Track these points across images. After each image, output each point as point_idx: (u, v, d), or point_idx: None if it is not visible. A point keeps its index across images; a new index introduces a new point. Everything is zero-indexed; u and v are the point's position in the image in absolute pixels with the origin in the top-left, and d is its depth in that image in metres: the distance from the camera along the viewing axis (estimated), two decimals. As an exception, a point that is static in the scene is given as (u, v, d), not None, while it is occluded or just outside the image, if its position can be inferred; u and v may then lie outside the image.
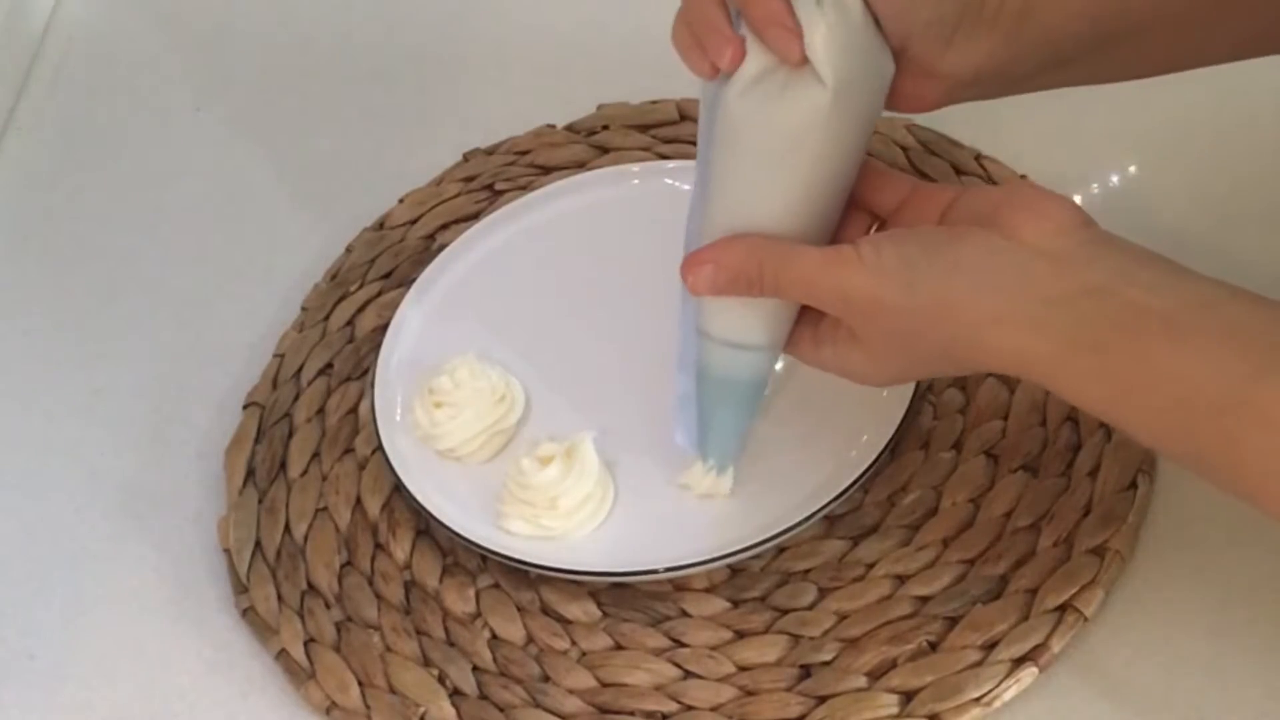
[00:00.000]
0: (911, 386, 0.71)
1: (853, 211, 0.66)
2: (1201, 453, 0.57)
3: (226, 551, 0.75)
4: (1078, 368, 0.57)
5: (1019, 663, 0.65)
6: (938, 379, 0.73)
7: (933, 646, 0.66)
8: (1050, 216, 0.59)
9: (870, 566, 0.69)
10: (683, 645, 0.69)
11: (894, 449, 0.71)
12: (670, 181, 0.83)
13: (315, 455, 0.78)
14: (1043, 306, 0.57)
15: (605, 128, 0.88)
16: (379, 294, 0.83)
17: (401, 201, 0.87)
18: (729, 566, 0.70)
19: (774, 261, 0.63)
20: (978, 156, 0.81)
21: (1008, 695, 0.65)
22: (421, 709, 0.69)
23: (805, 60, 0.60)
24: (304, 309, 0.84)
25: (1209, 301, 0.57)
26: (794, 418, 0.73)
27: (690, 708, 0.67)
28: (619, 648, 0.69)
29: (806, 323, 0.66)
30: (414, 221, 0.86)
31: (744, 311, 0.65)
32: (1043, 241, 0.58)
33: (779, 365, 0.69)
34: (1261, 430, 0.54)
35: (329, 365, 0.81)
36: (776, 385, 0.72)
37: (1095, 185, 0.81)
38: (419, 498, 0.73)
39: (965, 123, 0.82)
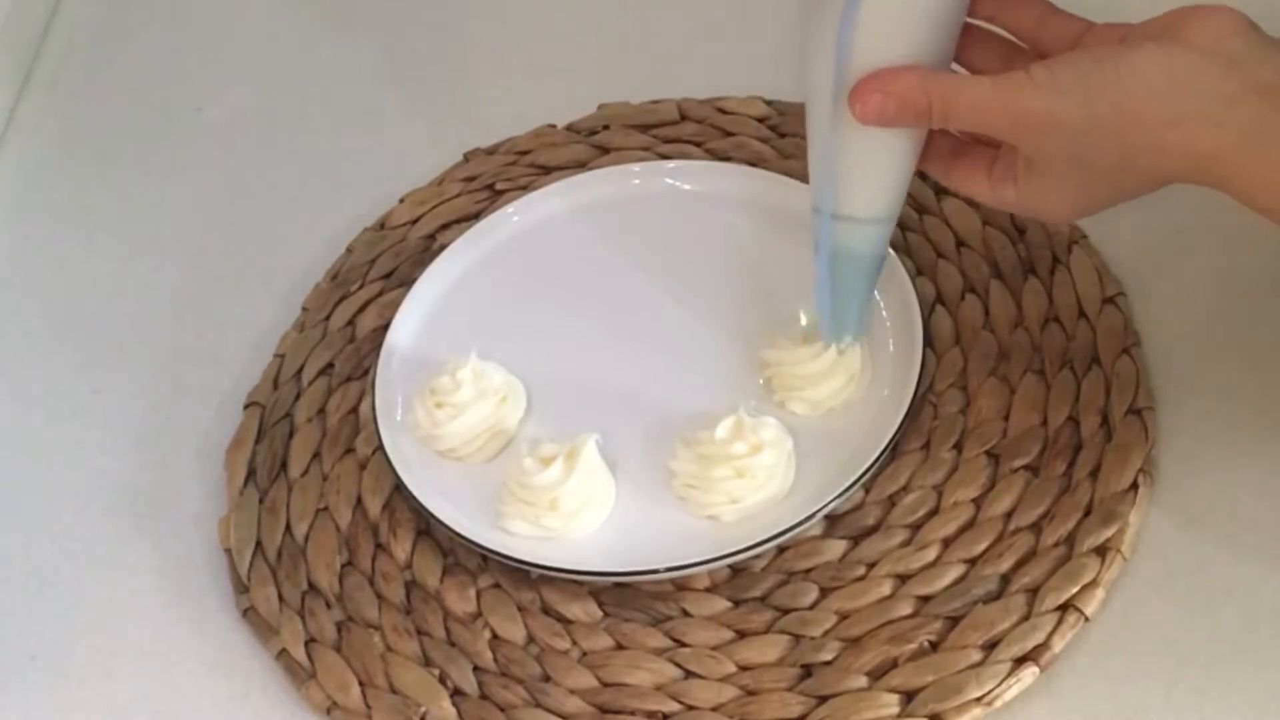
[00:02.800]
0: (911, 386, 0.71)
1: (987, 41, 0.67)
2: None
3: (227, 551, 0.75)
4: (1253, 162, 0.60)
5: (1020, 662, 0.65)
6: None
7: (934, 646, 0.66)
8: (1219, 21, 0.61)
9: (871, 566, 0.69)
10: (684, 645, 0.69)
11: (895, 448, 0.71)
12: (671, 181, 0.83)
13: (316, 455, 0.78)
14: (1219, 105, 0.60)
15: (606, 128, 0.88)
16: (380, 294, 0.83)
17: (402, 201, 0.87)
18: (730, 566, 0.70)
19: (943, 89, 0.63)
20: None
21: (1009, 695, 0.65)
22: (422, 709, 0.69)
23: None
24: (305, 309, 0.84)
25: None
26: (794, 416, 0.73)
27: (691, 707, 0.67)
28: (620, 647, 0.69)
29: (979, 167, 0.66)
30: (415, 221, 0.86)
31: (867, 186, 0.67)
32: (1214, 44, 0.60)
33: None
34: None
35: (330, 365, 0.81)
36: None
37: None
38: (420, 498, 0.73)
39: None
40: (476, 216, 0.84)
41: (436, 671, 0.70)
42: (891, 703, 0.65)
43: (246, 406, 0.80)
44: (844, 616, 0.68)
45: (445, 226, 0.85)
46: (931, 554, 0.69)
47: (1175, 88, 0.60)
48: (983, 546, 0.69)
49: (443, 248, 0.83)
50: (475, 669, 0.70)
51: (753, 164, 0.82)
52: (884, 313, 0.75)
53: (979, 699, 0.64)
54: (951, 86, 0.63)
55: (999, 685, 0.64)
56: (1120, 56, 0.61)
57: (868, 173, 0.67)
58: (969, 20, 0.66)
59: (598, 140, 0.87)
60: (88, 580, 0.77)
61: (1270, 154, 0.60)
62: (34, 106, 0.99)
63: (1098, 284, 0.75)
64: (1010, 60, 0.67)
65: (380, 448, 0.75)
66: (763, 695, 0.67)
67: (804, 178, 0.80)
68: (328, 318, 0.83)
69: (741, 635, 0.68)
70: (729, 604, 0.69)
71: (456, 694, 0.69)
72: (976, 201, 0.70)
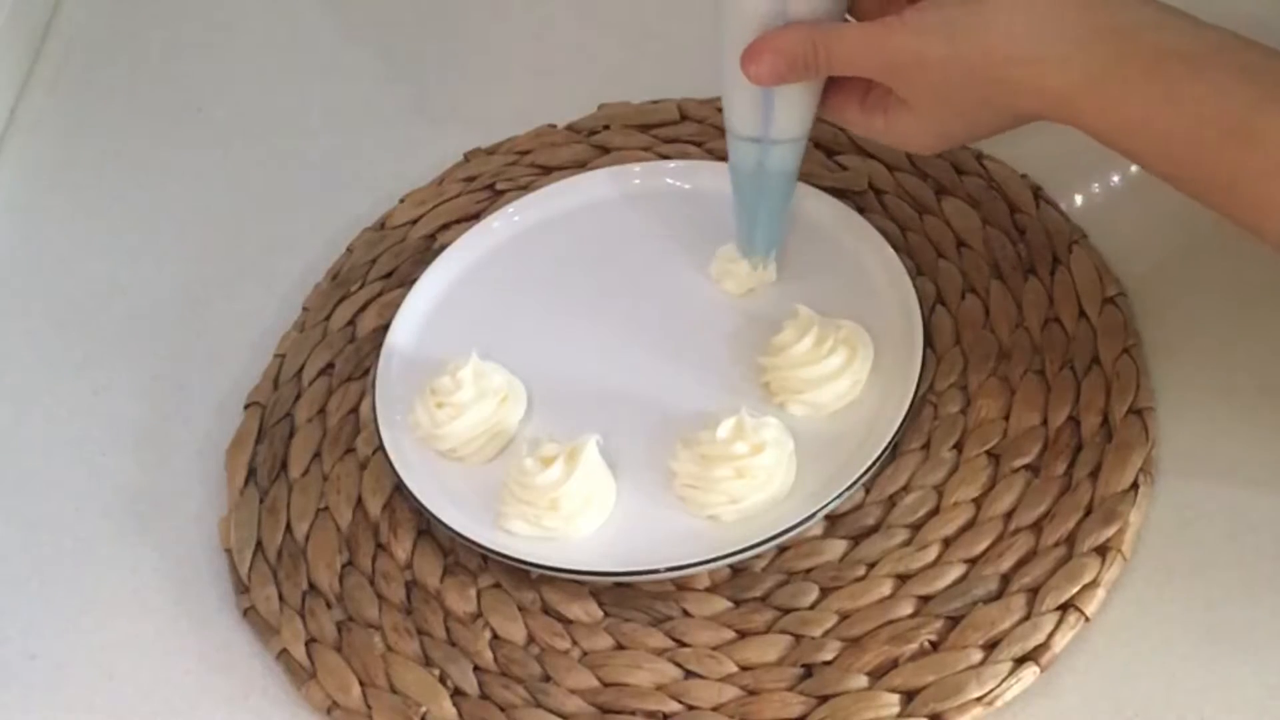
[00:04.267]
0: (911, 386, 0.71)
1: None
2: (1209, 178, 0.62)
3: (228, 551, 0.75)
4: (1103, 99, 0.63)
5: (1020, 662, 0.65)
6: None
7: (934, 646, 0.66)
8: None
9: (872, 566, 0.69)
10: (684, 645, 0.69)
11: (895, 448, 0.71)
12: (671, 181, 0.83)
13: (316, 455, 0.78)
14: (1072, 46, 0.63)
15: (606, 127, 0.88)
16: (380, 294, 0.83)
17: (402, 201, 0.87)
18: (730, 566, 0.70)
19: (824, 39, 0.68)
20: (978, 156, 0.81)
21: (1009, 695, 0.65)
22: (423, 709, 0.69)
23: None
24: (305, 309, 0.84)
25: (1224, 45, 0.62)
26: (795, 416, 0.73)
27: (692, 707, 0.67)
28: (620, 647, 0.69)
29: (853, 96, 0.70)
30: (415, 221, 0.86)
31: (753, 103, 0.71)
32: None
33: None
34: (1258, 150, 0.60)
35: (330, 365, 0.81)
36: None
37: (1095, 185, 0.81)
38: (420, 498, 0.73)
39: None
40: (476, 216, 0.84)
41: (437, 671, 0.70)
42: (892, 702, 0.65)
43: (247, 406, 0.80)
44: (844, 616, 0.68)
45: (445, 226, 0.85)
46: (932, 554, 0.69)
47: (1031, 29, 0.63)
48: (983, 546, 0.69)
49: (443, 248, 0.83)
50: (476, 669, 0.70)
51: (753, 164, 0.82)
52: (885, 312, 0.75)
53: (979, 699, 0.64)
54: (832, 35, 0.68)
55: (999, 685, 0.64)
56: (983, 2, 0.64)
57: (802, 98, 0.71)
58: None
59: (598, 140, 0.87)
60: (88, 580, 0.77)
61: (1116, 93, 0.63)
62: (34, 106, 0.99)
63: (1098, 284, 0.75)
64: (891, 7, 0.69)
65: (381, 448, 0.75)
66: (763, 695, 0.67)
67: (805, 176, 0.80)
68: (328, 318, 0.83)
69: (742, 635, 0.68)
70: (729, 604, 0.69)
71: (457, 694, 0.69)
72: (852, 131, 0.74)
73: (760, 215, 0.76)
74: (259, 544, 0.75)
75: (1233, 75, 0.61)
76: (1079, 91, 0.63)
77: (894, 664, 0.66)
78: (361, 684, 0.70)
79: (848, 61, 0.68)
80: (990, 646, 0.65)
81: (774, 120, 0.72)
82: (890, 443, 0.70)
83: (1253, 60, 0.62)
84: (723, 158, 0.83)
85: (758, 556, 0.70)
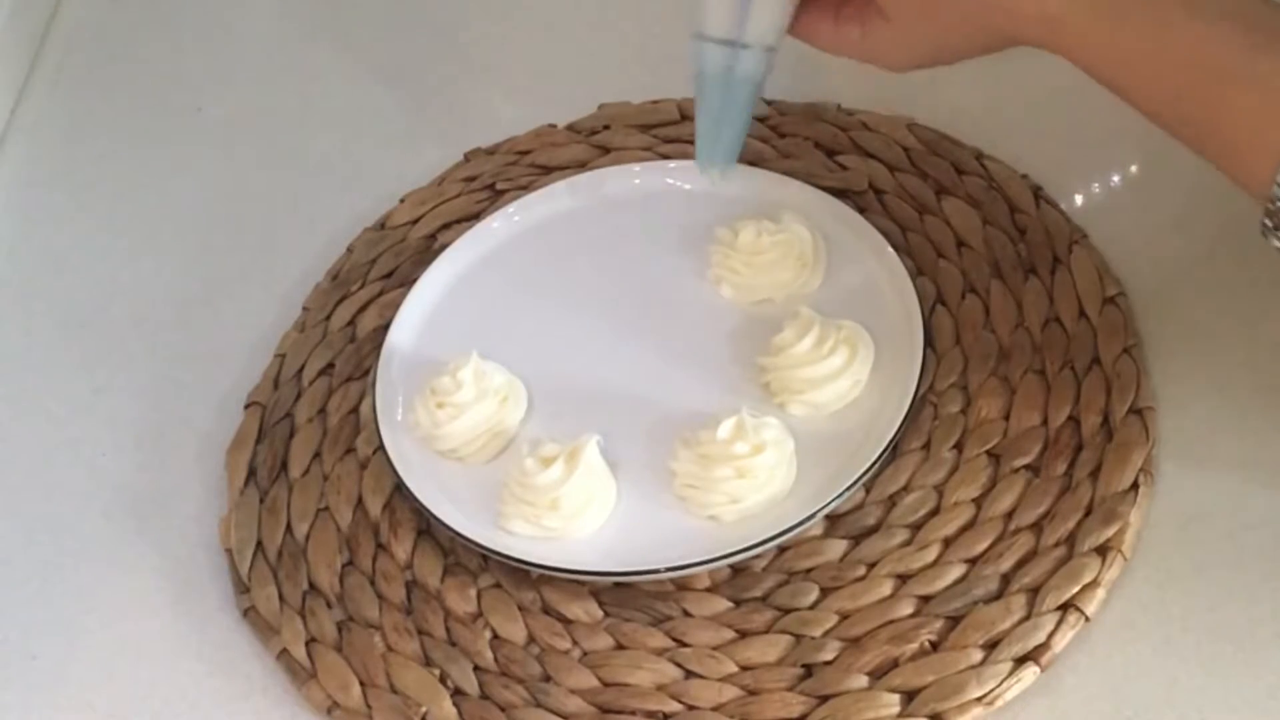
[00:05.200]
0: (912, 386, 0.71)
1: None
2: (1194, 119, 0.63)
3: (228, 551, 0.75)
4: (1098, 32, 0.63)
5: (1021, 662, 0.65)
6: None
7: (934, 646, 0.66)
8: None
9: (872, 566, 0.69)
10: (684, 645, 0.69)
11: (895, 448, 0.71)
12: (672, 181, 0.83)
13: (317, 455, 0.78)
14: None
15: (606, 127, 0.88)
16: (380, 294, 0.83)
17: (403, 201, 0.87)
18: (730, 566, 0.70)
19: None
20: (979, 155, 0.81)
21: (1009, 695, 0.65)
22: (423, 709, 0.69)
23: None
24: (305, 309, 0.84)
25: None
26: (795, 416, 0.73)
27: (692, 707, 0.67)
28: (620, 647, 0.69)
29: (827, 13, 0.70)
30: (415, 221, 0.86)
31: (776, 14, 0.70)
32: None
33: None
34: (1245, 92, 0.61)
35: (330, 365, 0.81)
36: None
37: (1096, 185, 0.81)
38: (421, 498, 0.73)
39: (967, 122, 0.82)
40: (477, 216, 0.84)
41: (437, 671, 0.70)
42: (892, 702, 0.65)
43: (247, 406, 0.80)
44: (845, 616, 0.68)
45: (446, 226, 0.85)
46: (932, 554, 0.69)
47: None
48: (983, 546, 0.69)
49: (443, 248, 0.83)
50: (476, 669, 0.70)
51: (753, 164, 0.82)
52: (885, 312, 0.75)
53: (980, 699, 0.64)
54: None
55: (1000, 685, 0.64)
56: None
57: (780, 3, 0.70)
58: None
59: (598, 140, 0.87)
60: (88, 580, 0.77)
61: (1114, 23, 0.63)
62: (34, 106, 0.99)
63: (1098, 284, 0.75)
64: None
65: (381, 448, 0.75)
66: (763, 695, 0.67)
67: (805, 176, 0.81)
68: (328, 318, 0.83)
69: (742, 635, 0.69)
70: (730, 604, 0.69)
71: (457, 694, 0.69)
72: (817, 46, 0.72)
73: (724, 125, 0.74)
74: (259, 544, 0.75)
75: (1228, 19, 0.62)
76: (1076, 17, 0.63)
77: (894, 664, 0.66)
78: (362, 684, 0.70)
79: None
80: (990, 646, 0.65)
81: (749, 21, 0.70)
82: (890, 443, 0.70)
83: (1248, 6, 0.62)
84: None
85: (758, 556, 0.70)
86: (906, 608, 0.67)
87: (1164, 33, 0.63)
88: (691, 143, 0.85)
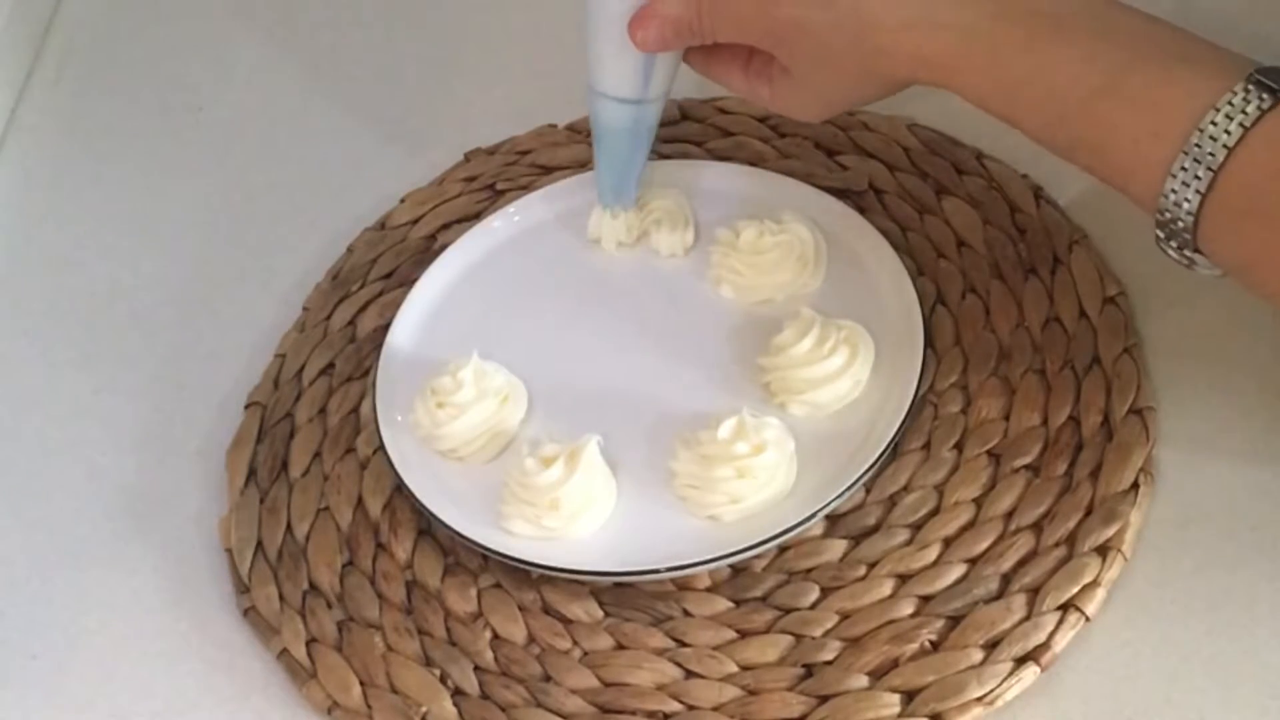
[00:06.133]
0: (912, 386, 0.71)
1: None
2: (1080, 141, 0.64)
3: (228, 551, 0.75)
4: (974, 67, 0.65)
5: (1021, 662, 0.65)
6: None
7: (935, 646, 0.66)
8: None
9: (872, 566, 0.69)
10: (684, 645, 0.69)
11: (896, 448, 0.71)
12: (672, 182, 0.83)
13: (317, 455, 0.78)
14: (946, 10, 0.65)
15: (606, 128, 0.88)
16: (380, 294, 0.83)
17: (403, 201, 0.87)
18: (731, 566, 0.70)
19: (710, 5, 0.70)
20: (979, 156, 0.81)
21: (1010, 695, 0.65)
22: (423, 709, 0.69)
23: None
24: (305, 309, 0.84)
25: (1090, 8, 0.65)
26: (795, 416, 0.73)
27: (692, 707, 0.67)
28: (621, 647, 0.69)
29: (736, 63, 0.73)
30: (415, 221, 0.86)
31: (636, 68, 0.74)
32: None
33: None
34: (1129, 112, 0.62)
35: (330, 365, 0.81)
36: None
37: (1096, 185, 0.80)
38: (421, 498, 0.73)
39: (967, 122, 0.82)
40: (477, 216, 0.84)
41: (437, 671, 0.70)
42: (892, 702, 0.65)
43: (247, 406, 0.80)
44: (845, 616, 0.68)
45: (446, 226, 0.85)
46: (932, 554, 0.69)
47: None
48: (984, 546, 0.69)
49: (443, 248, 0.83)
50: (476, 669, 0.70)
51: (753, 164, 0.82)
52: (885, 312, 0.75)
53: (980, 699, 0.64)
54: (716, 2, 0.70)
55: (1000, 685, 0.64)
56: None
57: (676, 57, 0.75)
58: None
59: (598, 140, 0.87)
60: (88, 580, 0.77)
61: (991, 56, 0.65)
62: (34, 106, 0.99)
63: (1098, 284, 0.75)
64: None
65: (381, 448, 0.75)
66: (764, 695, 0.67)
67: (805, 176, 0.81)
68: (328, 318, 0.83)
69: (742, 635, 0.69)
70: (730, 604, 0.69)
71: (457, 694, 0.69)
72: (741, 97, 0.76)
73: (630, 169, 0.78)
74: (259, 544, 0.75)
75: (1100, 37, 0.63)
76: (954, 55, 0.65)
77: (894, 664, 0.66)
78: (362, 684, 0.70)
79: (733, 27, 0.70)
80: (991, 646, 0.65)
81: (653, 82, 0.75)
82: (891, 443, 0.70)
83: (1118, 21, 0.64)
84: (723, 157, 0.84)
85: (758, 556, 0.70)
86: (907, 608, 0.67)
87: (1036, 60, 0.64)
88: (693, 142, 0.86)
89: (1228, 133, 0.60)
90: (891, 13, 0.66)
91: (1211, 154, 0.60)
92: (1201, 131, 0.60)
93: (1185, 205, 0.61)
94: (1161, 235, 0.64)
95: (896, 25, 0.66)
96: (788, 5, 0.68)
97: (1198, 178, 0.61)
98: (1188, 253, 0.64)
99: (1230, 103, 0.60)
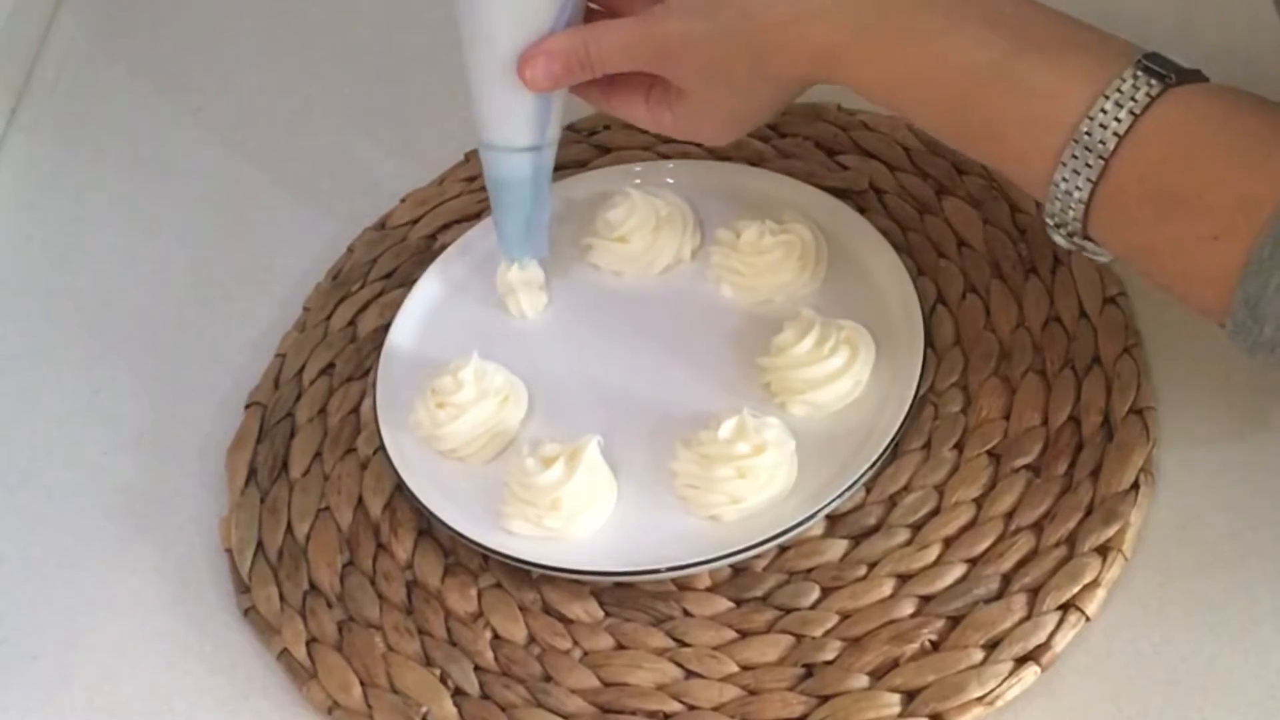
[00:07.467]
0: (912, 386, 0.71)
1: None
2: (973, 130, 0.64)
3: (228, 551, 0.75)
4: (864, 55, 0.65)
5: (1021, 662, 0.65)
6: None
7: (935, 646, 0.66)
8: None
9: (872, 566, 0.69)
10: (685, 645, 0.69)
11: (896, 448, 0.71)
12: (672, 181, 0.83)
13: (317, 455, 0.78)
14: (831, 2, 0.65)
15: (607, 127, 0.88)
16: (381, 294, 0.83)
17: (403, 201, 0.87)
18: (731, 566, 0.70)
19: (594, 36, 0.70)
20: (979, 156, 0.81)
21: (1010, 695, 0.65)
22: (424, 709, 0.69)
23: None
24: (305, 309, 0.84)
25: None
26: (796, 416, 0.73)
27: (692, 707, 0.67)
28: (621, 647, 0.69)
29: (637, 95, 0.73)
30: (416, 221, 0.86)
31: (531, 112, 0.72)
32: None
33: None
34: (1017, 98, 0.61)
35: (331, 365, 0.81)
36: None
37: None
38: (421, 498, 0.73)
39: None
40: (477, 216, 0.84)
41: (438, 671, 0.70)
42: (893, 702, 0.65)
43: (247, 406, 0.80)
44: (845, 616, 0.68)
45: (446, 226, 0.85)
46: (933, 554, 0.69)
47: None
48: (984, 546, 0.69)
49: (444, 247, 0.83)
50: (476, 669, 0.70)
51: (753, 164, 0.82)
52: (885, 312, 0.75)
53: (980, 698, 0.64)
54: (600, 30, 0.70)
55: (1000, 685, 0.64)
56: None
57: (561, 97, 0.73)
58: None
59: (598, 140, 0.87)
60: (88, 580, 0.77)
61: (880, 45, 0.64)
62: (34, 106, 0.99)
63: (1099, 284, 0.75)
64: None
65: (381, 448, 0.75)
66: (764, 695, 0.67)
67: (805, 176, 0.81)
68: (329, 317, 0.83)
69: (743, 635, 0.69)
70: (730, 604, 0.69)
71: (458, 694, 0.69)
72: (643, 128, 0.75)
73: (537, 217, 0.76)
74: (260, 544, 0.75)
75: (988, 25, 0.63)
76: (843, 46, 0.65)
77: (895, 664, 0.66)
78: (362, 684, 0.70)
79: (621, 54, 0.70)
80: (991, 646, 0.66)
81: (550, 124, 0.73)
82: (891, 442, 0.70)
83: (1005, 9, 0.63)
84: (722, 158, 0.84)
85: (758, 556, 0.70)
86: (907, 608, 0.67)
87: (927, 48, 0.63)
88: (691, 142, 0.86)
89: (1118, 120, 0.59)
90: (775, 9, 0.66)
91: (1103, 142, 0.60)
92: (1092, 119, 0.60)
93: (1076, 194, 0.61)
94: (1050, 223, 0.63)
95: (783, 20, 0.65)
96: (670, 21, 0.68)
97: (1089, 165, 0.60)
98: (1077, 239, 0.64)
99: (1120, 90, 0.60)
